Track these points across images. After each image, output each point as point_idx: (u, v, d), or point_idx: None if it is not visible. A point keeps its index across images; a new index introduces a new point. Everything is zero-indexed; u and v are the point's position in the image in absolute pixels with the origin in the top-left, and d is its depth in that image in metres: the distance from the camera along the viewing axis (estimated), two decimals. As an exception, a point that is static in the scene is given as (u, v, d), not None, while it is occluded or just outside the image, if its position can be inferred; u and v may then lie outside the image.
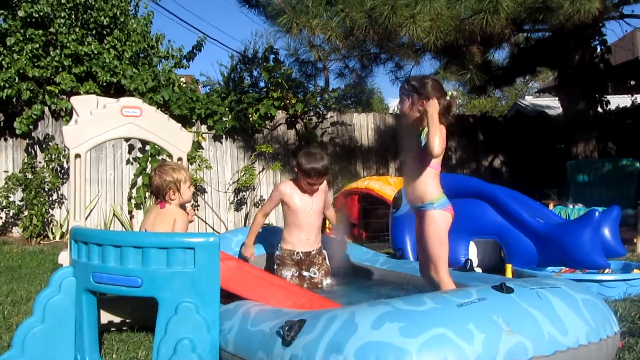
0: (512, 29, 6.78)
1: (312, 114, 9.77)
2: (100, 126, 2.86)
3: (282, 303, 2.54)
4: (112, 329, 3.05)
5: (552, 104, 17.58)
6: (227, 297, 2.55)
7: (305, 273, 3.49)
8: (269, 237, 3.87)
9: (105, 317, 2.93)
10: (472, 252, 4.55)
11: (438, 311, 1.85)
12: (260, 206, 3.50)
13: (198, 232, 7.39)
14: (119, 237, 2.47)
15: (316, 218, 3.52)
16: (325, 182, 3.51)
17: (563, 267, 4.24)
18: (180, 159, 3.14)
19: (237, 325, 2.35)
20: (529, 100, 21.33)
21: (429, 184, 2.68)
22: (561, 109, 10.43)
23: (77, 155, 2.83)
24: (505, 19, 5.87)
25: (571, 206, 6.93)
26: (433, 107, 2.64)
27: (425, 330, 1.76)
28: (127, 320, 3.02)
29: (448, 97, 2.74)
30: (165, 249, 2.34)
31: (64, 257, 2.78)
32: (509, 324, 1.82)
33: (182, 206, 2.93)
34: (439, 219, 2.66)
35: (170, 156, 3.18)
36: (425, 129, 2.64)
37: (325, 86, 10.97)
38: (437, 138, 2.54)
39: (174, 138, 3.11)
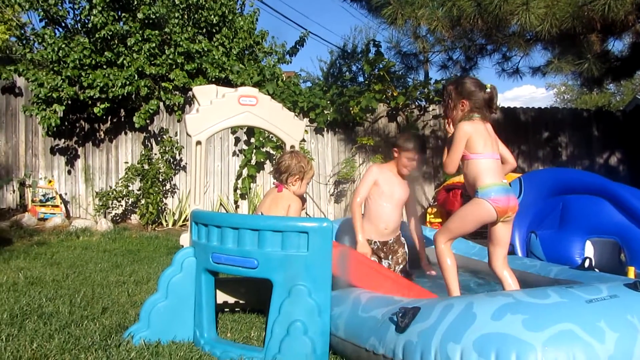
0: (636, 15, 6.25)
1: (413, 106, 9.64)
2: (219, 114, 3.00)
3: (390, 294, 2.53)
4: (226, 309, 3.20)
5: (679, 97, 16.05)
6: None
7: (384, 262, 3.54)
8: (349, 227, 3.84)
9: (221, 297, 3.07)
10: (589, 252, 4.27)
11: (565, 305, 1.75)
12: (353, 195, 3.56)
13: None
14: (237, 220, 2.58)
15: (397, 208, 3.57)
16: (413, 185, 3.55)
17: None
18: (292, 147, 3.22)
19: (347, 311, 2.37)
20: (651, 93, 19.62)
21: (471, 174, 2.78)
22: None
23: (198, 142, 2.99)
24: (631, 4, 5.41)
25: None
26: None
27: (551, 324, 1.67)
28: (240, 302, 3.15)
29: (488, 90, 2.81)
30: (280, 232, 2.41)
31: (184, 239, 2.94)
32: (645, 324, 1.69)
33: (298, 196, 3.01)
34: (474, 204, 2.75)
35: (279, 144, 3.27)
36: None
37: (425, 79, 10.73)
38: (448, 159, 2.81)
39: (288, 126, 3.20)
